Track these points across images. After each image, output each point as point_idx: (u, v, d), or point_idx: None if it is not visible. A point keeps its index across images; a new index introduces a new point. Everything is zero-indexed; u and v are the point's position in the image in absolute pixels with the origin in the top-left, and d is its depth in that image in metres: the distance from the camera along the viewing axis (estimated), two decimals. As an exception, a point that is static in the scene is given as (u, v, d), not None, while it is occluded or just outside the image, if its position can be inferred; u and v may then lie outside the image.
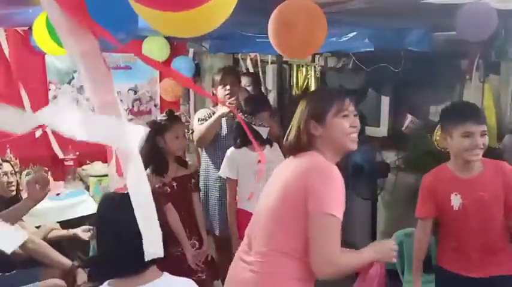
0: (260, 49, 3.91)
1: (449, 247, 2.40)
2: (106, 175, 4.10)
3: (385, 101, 4.38)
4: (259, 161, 2.99)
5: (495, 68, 3.41)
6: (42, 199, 2.56)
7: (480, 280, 2.30)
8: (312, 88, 4.73)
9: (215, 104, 3.53)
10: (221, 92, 3.36)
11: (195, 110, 4.46)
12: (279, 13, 1.85)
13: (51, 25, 2.04)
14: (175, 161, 2.90)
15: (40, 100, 4.23)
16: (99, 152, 3.81)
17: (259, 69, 4.98)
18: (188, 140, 3.87)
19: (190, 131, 3.60)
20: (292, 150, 1.88)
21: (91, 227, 3.17)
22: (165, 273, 1.44)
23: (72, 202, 3.63)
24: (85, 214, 3.53)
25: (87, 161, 4.25)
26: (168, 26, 1.28)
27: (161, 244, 1.08)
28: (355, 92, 4.52)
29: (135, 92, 4.80)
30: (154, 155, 2.82)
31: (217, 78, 3.42)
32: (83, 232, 3.12)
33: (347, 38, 3.14)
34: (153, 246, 1.06)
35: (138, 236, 1.33)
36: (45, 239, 2.96)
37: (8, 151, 3.87)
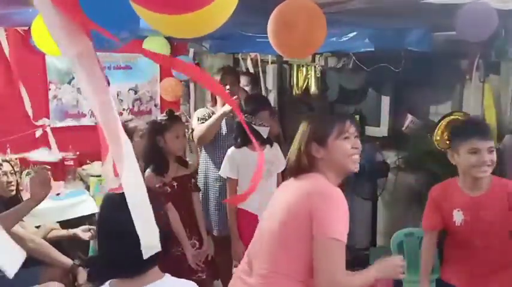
0: (260, 49, 3.91)
1: (452, 262, 2.39)
2: (106, 175, 4.10)
3: (385, 101, 4.38)
4: (260, 161, 2.99)
5: (495, 68, 3.40)
6: (44, 199, 2.56)
7: None
8: (313, 88, 4.72)
9: (214, 104, 3.52)
10: (221, 91, 3.36)
11: (195, 110, 4.45)
12: (278, 13, 1.85)
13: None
14: (176, 161, 2.90)
15: (40, 100, 4.24)
16: (99, 152, 3.80)
17: (260, 69, 4.98)
18: (188, 139, 3.87)
19: (190, 131, 3.60)
20: (294, 172, 1.88)
21: (91, 226, 3.18)
22: (167, 274, 1.44)
23: (72, 202, 3.63)
24: (85, 213, 3.53)
25: (87, 161, 4.26)
26: (169, 27, 1.28)
27: (158, 243, 1.08)
28: (355, 92, 4.53)
29: (136, 92, 4.81)
30: (154, 155, 2.83)
31: (217, 78, 3.42)
32: (83, 232, 3.12)
33: (347, 38, 3.13)
34: (150, 246, 1.06)
35: (139, 237, 1.34)
36: (44, 239, 2.96)
37: (8, 150, 3.87)
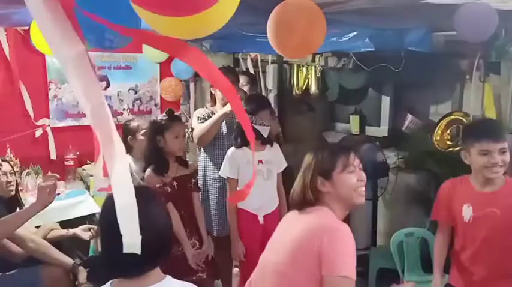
0: (260, 49, 3.91)
1: (461, 262, 2.37)
2: (106, 175, 4.10)
3: (386, 101, 4.38)
4: (260, 161, 3.00)
5: (495, 68, 3.41)
6: (49, 205, 2.61)
7: None
8: (313, 88, 4.72)
9: (213, 104, 3.52)
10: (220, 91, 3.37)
11: (195, 110, 4.45)
12: (277, 13, 1.85)
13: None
14: (176, 161, 2.90)
15: (40, 100, 4.24)
16: (98, 153, 3.81)
17: (260, 69, 4.98)
18: (188, 139, 3.87)
19: (190, 130, 3.60)
20: (299, 205, 1.87)
21: (91, 226, 3.18)
22: (168, 276, 1.43)
23: (72, 202, 3.63)
24: (85, 213, 3.53)
25: (87, 161, 4.26)
26: (170, 28, 1.28)
27: (139, 245, 1.08)
28: (356, 92, 4.53)
29: (136, 92, 4.81)
30: (154, 155, 2.83)
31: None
32: (83, 232, 3.12)
33: (347, 38, 3.13)
34: (132, 247, 1.07)
35: (143, 236, 1.33)
36: (45, 239, 2.97)
37: (8, 150, 3.87)
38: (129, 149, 3.30)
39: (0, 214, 2.76)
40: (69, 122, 4.40)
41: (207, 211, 3.36)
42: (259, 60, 4.95)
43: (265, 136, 3.01)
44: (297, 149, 4.69)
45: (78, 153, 4.21)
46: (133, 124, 3.36)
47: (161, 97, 4.92)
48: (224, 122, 3.38)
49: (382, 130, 4.42)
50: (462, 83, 3.89)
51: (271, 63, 4.96)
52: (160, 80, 4.87)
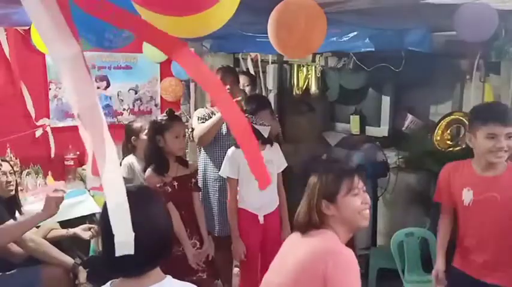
0: (261, 49, 3.91)
1: (464, 247, 2.37)
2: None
3: (386, 101, 4.38)
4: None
5: (495, 68, 3.40)
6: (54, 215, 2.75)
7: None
8: (313, 88, 4.72)
9: (213, 104, 3.52)
10: (221, 91, 3.36)
11: (195, 110, 4.45)
12: (278, 12, 1.85)
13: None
14: (176, 161, 2.90)
15: (40, 100, 4.24)
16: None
17: (260, 69, 4.98)
18: (188, 139, 3.88)
19: (190, 130, 3.60)
20: (303, 228, 1.86)
21: (91, 226, 3.18)
22: (168, 276, 1.43)
23: (72, 202, 3.63)
24: (85, 213, 3.53)
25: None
26: (171, 28, 1.29)
27: (132, 246, 1.08)
28: (356, 92, 4.53)
29: (136, 92, 4.81)
30: (154, 155, 2.83)
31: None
32: (83, 231, 3.12)
33: (347, 38, 3.13)
34: (124, 247, 1.07)
35: (143, 237, 1.33)
36: (45, 238, 2.97)
37: (9, 150, 3.87)
38: (132, 149, 3.33)
39: (0, 214, 2.77)
40: (69, 122, 4.40)
41: (207, 210, 3.36)
42: (259, 60, 4.95)
43: (266, 136, 3.01)
44: (297, 149, 4.70)
45: (78, 153, 4.21)
46: (137, 125, 3.38)
47: (161, 97, 4.92)
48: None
49: (382, 130, 4.42)
50: (462, 83, 3.89)
51: (272, 63, 4.96)
52: (161, 80, 4.87)
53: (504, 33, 2.96)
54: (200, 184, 3.35)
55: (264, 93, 4.93)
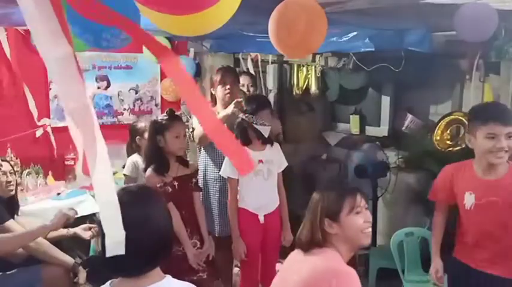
0: (261, 49, 3.91)
1: (464, 242, 2.38)
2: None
3: (386, 101, 4.39)
4: (260, 161, 3.00)
5: (495, 68, 3.41)
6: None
7: (492, 277, 2.27)
8: (313, 88, 4.73)
9: (214, 104, 3.52)
10: (221, 91, 3.37)
11: (196, 110, 4.46)
12: (279, 12, 1.86)
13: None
14: (177, 161, 2.90)
15: (41, 100, 4.24)
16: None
17: (260, 69, 4.98)
18: (189, 139, 3.88)
19: (191, 130, 3.60)
20: (305, 246, 1.86)
21: (92, 225, 3.18)
22: (168, 276, 1.43)
23: (72, 202, 3.63)
24: (85, 213, 3.53)
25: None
26: (172, 26, 1.29)
27: (123, 243, 1.08)
28: (356, 92, 4.53)
29: (136, 92, 4.81)
30: (155, 155, 2.83)
31: (217, 78, 3.42)
32: (84, 231, 3.13)
33: (347, 38, 3.14)
34: (115, 246, 1.07)
35: (143, 237, 1.34)
36: (45, 238, 2.97)
37: (9, 150, 3.87)
38: (137, 149, 3.39)
39: (0, 213, 2.78)
40: (70, 122, 4.40)
41: (208, 210, 3.36)
42: (259, 60, 4.95)
43: (266, 136, 3.01)
44: (296, 149, 4.71)
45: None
46: (141, 124, 3.42)
47: (162, 97, 4.92)
48: (224, 121, 3.38)
49: (382, 130, 4.42)
50: (462, 83, 3.89)
51: (272, 63, 4.97)
52: (161, 79, 4.87)
53: (504, 33, 2.96)
54: (200, 184, 3.35)
55: (264, 93, 4.93)
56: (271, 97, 4.92)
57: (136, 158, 3.31)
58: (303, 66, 4.80)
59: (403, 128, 4.25)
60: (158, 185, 2.76)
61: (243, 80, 4.30)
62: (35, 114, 4.19)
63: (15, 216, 3.00)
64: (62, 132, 4.30)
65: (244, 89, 4.23)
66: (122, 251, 1.07)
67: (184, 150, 3.04)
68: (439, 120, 3.82)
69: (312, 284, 1.73)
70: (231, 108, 3.11)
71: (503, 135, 2.11)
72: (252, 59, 4.96)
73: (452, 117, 3.77)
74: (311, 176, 4.83)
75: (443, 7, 2.13)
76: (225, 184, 3.20)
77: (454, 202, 2.39)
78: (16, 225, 2.84)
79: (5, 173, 2.93)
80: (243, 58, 5.01)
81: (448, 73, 3.90)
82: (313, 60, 4.60)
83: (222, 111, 3.27)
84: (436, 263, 2.49)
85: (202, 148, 3.51)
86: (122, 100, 4.73)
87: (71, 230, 3.14)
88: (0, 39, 3.95)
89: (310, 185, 4.84)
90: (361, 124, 4.56)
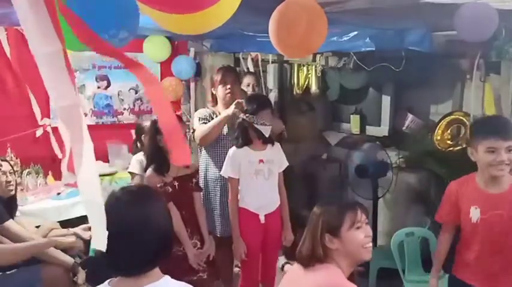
0: (261, 48, 3.91)
1: (466, 258, 2.38)
2: (106, 175, 4.10)
3: (386, 101, 4.38)
4: (261, 161, 3.00)
5: (496, 68, 3.41)
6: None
7: None
8: (313, 87, 4.72)
9: (214, 104, 3.52)
10: (221, 91, 3.36)
11: (196, 110, 4.46)
12: (280, 12, 1.85)
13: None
14: (177, 161, 2.90)
15: (41, 99, 4.23)
16: (99, 152, 3.82)
17: (260, 68, 4.98)
18: (189, 140, 3.88)
19: (192, 131, 3.60)
20: (306, 262, 1.85)
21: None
22: (166, 276, 1.43)
23: (72, 202, 3.64)
24: (85, 213, 3.53)
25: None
26: (173, 25, 1.30)
27: (105, 242, 1.09)
28: (356, 92, 4.53)
29: (136, 92, 4.81)
30: (155, 155, 2.83)
31: (217, 77, 3.42)
32: (83, 231, 3.13)
33: (348, 38, 3.14)
34: (100, 244, 1.08)
35: (143, 236, 1.34)
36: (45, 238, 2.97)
37: (9, 150, 3.87)
38: (142, 148, 3.42)
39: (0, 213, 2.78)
40: (70, 122, 4.40)
41: (208, 211, 3.36)
42: (259, 59, 4.95)
43: (267, 136, 3.01)
44: (297, 149, 4.71)
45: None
46: (146, 124, 3.44)
47: (161, 97, 4.91)
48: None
49: (382, 130, 4.42)
50: (462, 82, 3.89)
51: (272, 62, 4.96)
52: (161, 79, 4.86)
53: (504, 33, 2.96)
54: (201, 184, 3.35)
55: (264, 93, 4.93)
56: (271, 97, 4.91)
57: (142, 157, 3.33)
58: (304, 65, 4.80)
59: (404, 127, 4.25)
60: (158, 185, 2.76)
61: (248, 79, 4.30)
62: (38, 114, 4.19)
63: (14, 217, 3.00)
64: (62, 132, 4.30)
65: (250, 89, 4.23)
66: (103, 248, 1.08)
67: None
68: (440, 120, 3.82)
69: None
70: (231, 109, 3.11)
71: (503, 149, 2.13)
72: (252, 59, 4.95)
73: (452, 117, 3.76)
74: (311, 175, 4.83)
75: (444, 7, 2.13)
76: (226, 184, 3.19)
77: (460, 221, 2.39)
78: (15, 225, 2.84)
79: (4, 173, 2.93)
80: (243, 58, 5.01)
81: (449, 73, 3.90)
82: (314, 60, 4.60)
83: (223, 112, 3.27)
84: (433, 281, 2.52)
85: (203, 148, 3.51)
86: (122, 100, 4.73)
87: (71, 230, 3.14)
88: (0, 39, 3.95)
89: (310, 185, 4.85)
90: (362, 124, 4.56)
